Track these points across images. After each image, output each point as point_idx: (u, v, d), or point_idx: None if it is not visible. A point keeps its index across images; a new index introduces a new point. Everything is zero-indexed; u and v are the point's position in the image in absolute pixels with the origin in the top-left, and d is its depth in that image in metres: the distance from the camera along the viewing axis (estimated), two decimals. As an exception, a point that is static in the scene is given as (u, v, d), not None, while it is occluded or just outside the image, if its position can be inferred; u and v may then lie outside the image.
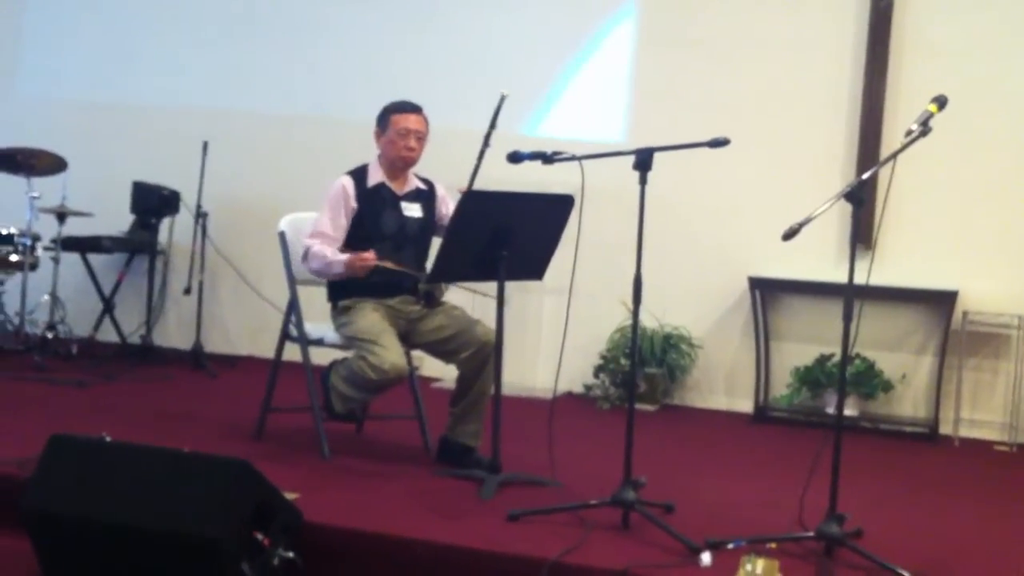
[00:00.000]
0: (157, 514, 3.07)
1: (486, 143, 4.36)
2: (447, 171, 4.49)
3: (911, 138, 3.34)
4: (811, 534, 3.36)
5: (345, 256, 4.14)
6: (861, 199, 3.35)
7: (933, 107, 3.42)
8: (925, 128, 3.35)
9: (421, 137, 4.33)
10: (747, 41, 6.10)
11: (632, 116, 6.30)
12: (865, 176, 3.41)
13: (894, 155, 3.39)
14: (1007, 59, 5.70)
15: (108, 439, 3.58)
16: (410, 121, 4.31)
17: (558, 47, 6.44)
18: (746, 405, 6.01)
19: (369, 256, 4.09)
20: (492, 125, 4.39)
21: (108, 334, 6.79)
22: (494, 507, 3.68)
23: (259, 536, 3.10)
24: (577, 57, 6.42)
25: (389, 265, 4.14)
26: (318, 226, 4.27)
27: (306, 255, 4.25)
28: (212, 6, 7.02)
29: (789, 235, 3.22)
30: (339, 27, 6.78)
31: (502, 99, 4.38)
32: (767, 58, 6.06)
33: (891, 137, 5.72)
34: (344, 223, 4.26)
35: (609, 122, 6.31)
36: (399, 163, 4.34)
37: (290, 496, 3.39)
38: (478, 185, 4.28)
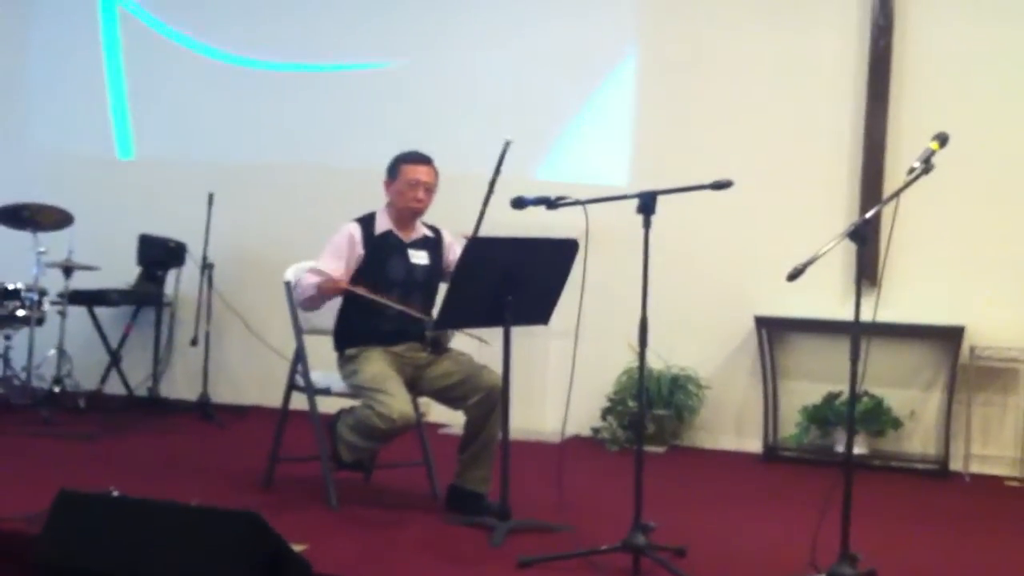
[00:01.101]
0: (166, 568, 3.06)
1: (491, 190, 4.40)
2: (455, 218, 4.51)
3: (913, 176, 3.36)
4: (823, 575, 3.33)
5: (317, 278, 4.18)
6: (865, 238, 3.36)
7: (935, 144, 3.44)
8: (927, 166, 3.37)
9: (430, 188, 4.36)
10: (749, 79, 6.13)
11: (636, 157, 6.33)
12: (868, 215, 3.42)
13: (896, 193, 3.41)
14: (1009, 92, 5.72)
15: (115, 493, 3.58)
16: (420, 172, 4.34)
17: (562, 90, 6.47)
18: (755, 445, 5.98)
19: (340, 281, 4.15)
20: (497, 171, 4.43)
21: (115, 387, 6.79)
22: (504, 554, 3.66)
23: (269, 588, 3.09)
24: (581, 99, 6.46)
25: (361, 292, 4.15)
26: (315, 266, 4.29)
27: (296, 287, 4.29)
28: (216, 58, 7.08)
29: (794, 276, 3.23)
30: (342, 76, 6.83)
31: (506, 145, 4.43)
32: (770, 96, 6.09)
33: (894, 173, 5.73)
34: (341, 268, 4.27)
35: (614, 163, 6.34)
36: (407, 213, 4.36)
37: (299, 547, 3.38)
38: (484, 230, 4.30)
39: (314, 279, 4.22)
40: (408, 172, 4.33)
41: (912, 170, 3.36)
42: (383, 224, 4.37)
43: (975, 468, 5.62)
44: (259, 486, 4.51)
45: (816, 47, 6.04)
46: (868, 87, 5.88)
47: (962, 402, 5.66)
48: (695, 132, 6.19)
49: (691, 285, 6.09)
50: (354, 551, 3.67)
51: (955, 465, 5.61)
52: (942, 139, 3.44)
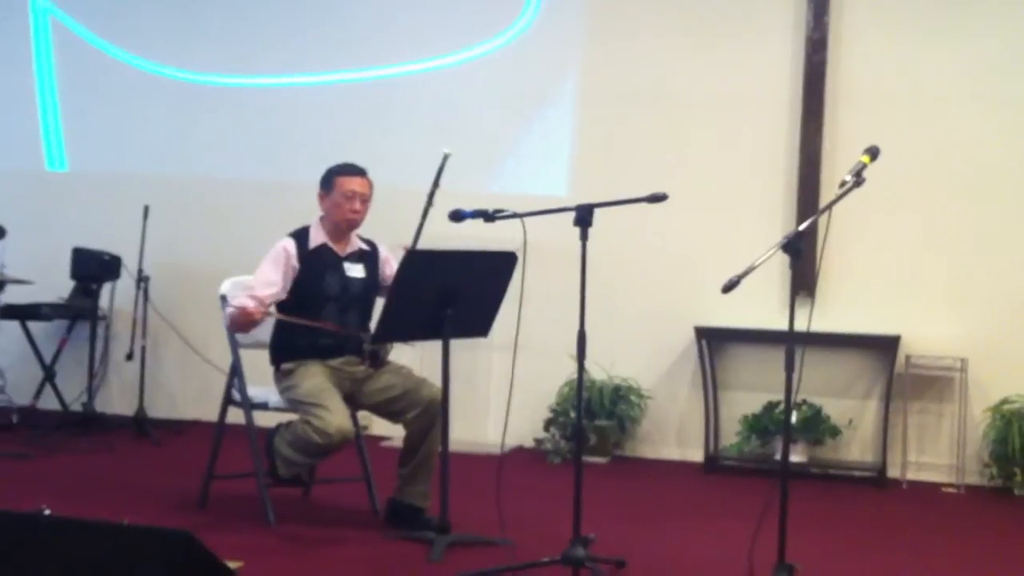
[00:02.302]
0: (97, 590, 2.99)
1: (430, 202, 4.40)
2: (394, 231, 4.49)
3: (845, 189, 3.40)
4: (762, 586, 3.35)
5: (230, 309, 4.12)
6: (798, 250, 3.39)
7: (866, 158, 3.48)
8: (859, 179, 3.41)
9: (365, 200, 4.32)
10: (688, 94, 6.16)
11: (576, 170, 6.34)
12: (801, 228, 3.46)
13: (828, 207, 3.45)
14: (942, 105, 5.82)
15: (47, 512, 3.49)
16: (355, 184, 4.30)
17: (502, 103, 6.46)
18: (697, 455, 6.01)
19: (253, 310, 4.07)
20: (435, 184, 4.43)
21: (49, 402, 6.65)
22: (443, 569, 3.64)
23: (202, 609, 3.03)
24: (521, 113, 6.46)
25: (285, 318, 4.10)
26: (252, 282, 4.23)
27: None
28: (151, 71, 6.98)
29: (728, 287, 3.24)
30: (280, 90, 6.76)
31: (445, 158, 4.43)
32: (707, 111, 6.13)
33: (829, 186, 5.80)
34: (280, 282, 4.22)
35: (554, 176, 6.34)
36: (343, 225, 4.32)
37: (234, 565, 3.32)
38: (422, 242, 4.28)
39: (245, 303, 4.12)
40: (343, 184, 4.29)
41: (843, 183, 3.40)
42: (318, 238, 4.32)
43: (912, 475, 5.70)
44: (195, 504, 4.44)
45: (752, 61, 6.10)
46: (803, 101, 5.95)
47: (899, 410, 5.74)
48: (634, 145, 6.21)
49: (631, 296, 6.12)
50: (291, 568, 3.63)
51: (893, 473, 5.68)
52: (873, 153, 3.49)
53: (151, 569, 2.98)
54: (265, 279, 4.21)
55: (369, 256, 4.40)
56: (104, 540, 3.12)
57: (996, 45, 5.79)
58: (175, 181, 6.80)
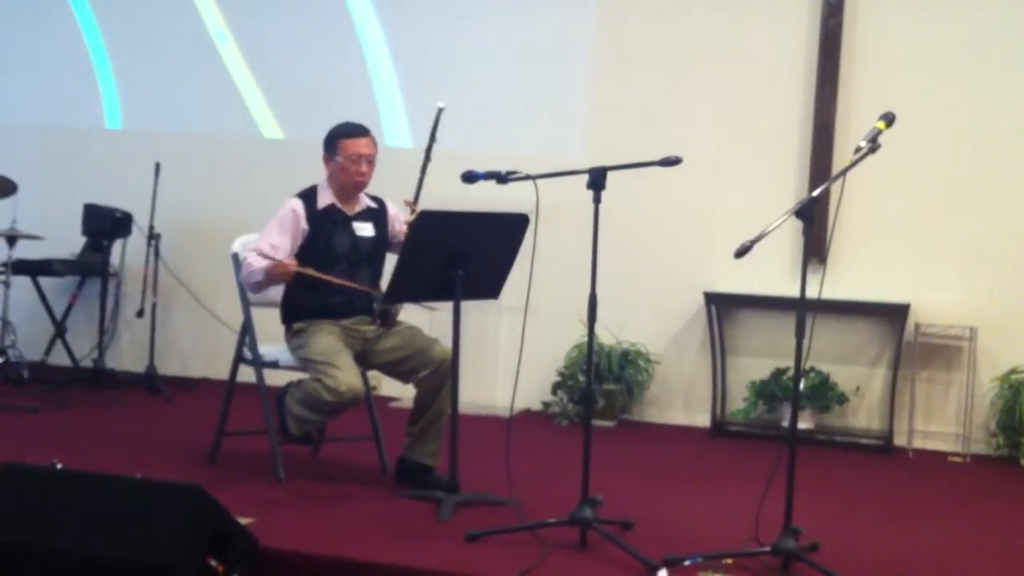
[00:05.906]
0: (109, 542, 3.03)
1: (427, 157, 4.41)
2: (400, 192, 4.48)
3: (859, 155, 3.39)
4: (767, 549, 3.38)
5: (265, 263, 4.08)
6: (811, 216, 3.38)
7: (881, 124, 3.47)
8: (873, 145, 3.40)
9: (372, 161, 4.29)
10: (702, 58, 6.13)
11: (589, 132, 6.31)
12: (815, 193, 3.45)
13: (843, 172, 3.43)
14: (955, 74, 5.78)
15: (59, 466, 3.53)
16: (360, 145, 4.26)
17: (516, 64, 6.43)
18: (704, 420, 6.03)
19: (290, 264, 4.07)
20: (432, 138, 4.44)
21: (60, 358, 6.69)
22: (452, 528, 3.67)
23: (213, 562, 3.07)
24: (535, 74, 6.42)
25: (311, 273, 4.10)
26: (258, 243, 4.21)
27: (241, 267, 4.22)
28: (164, 28, 6.95)
29: (741, 253, 3.25)
30: (291, 49, 6.73)
31: (439, 112, 4.44)
32: (722, 75, 6.10)
33: (843, 152, 5.77)
34: (287, 244, 4.20)
35: (567, 138, 6.32)
36: (351, 188, 4.30)
37: (244, 521, 3.36)
38: (429, 202, 4.28)
39: (261, 263, 4.09)
40: (349, 146, 4.25)
41: (858, 149, 3.39)
42: (325, 198, 4.30)
43: (919, 444, 5.72)
44: (206, 460, 4.48)
45: (766, 26, 6.05)
46: (818, 66, 5.91)
47: (907, 378, 5.74)
48: (648, 108, 6.18)
49: (642, 261, 6.12)
50: (301, 525, 3.66)
51: (899, 441, 5.70)
52: (888, 119, 3.47)
53: (162, 522, 3.02)
54: (270, 243, 4.17)
55: (377, 213, 4.39)
56: (116, 493, 3.16)
57: (1010, 8, 5.74)
58: (186, 138, 6.78)
